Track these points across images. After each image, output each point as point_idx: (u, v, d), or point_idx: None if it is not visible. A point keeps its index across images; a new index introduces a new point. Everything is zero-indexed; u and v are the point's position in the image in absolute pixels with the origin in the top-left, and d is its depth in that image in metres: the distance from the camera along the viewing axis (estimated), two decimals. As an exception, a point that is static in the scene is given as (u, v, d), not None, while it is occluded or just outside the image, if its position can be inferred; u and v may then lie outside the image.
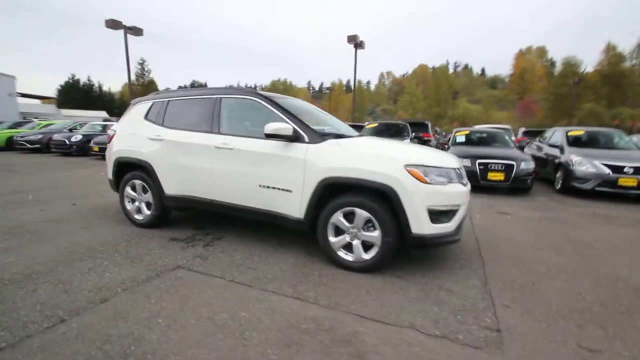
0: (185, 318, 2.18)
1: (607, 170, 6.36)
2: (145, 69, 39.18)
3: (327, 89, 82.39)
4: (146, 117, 4.04)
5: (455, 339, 2.05)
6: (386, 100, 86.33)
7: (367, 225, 2.87)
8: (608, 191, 6.39)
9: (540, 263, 3.28)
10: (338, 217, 2.94)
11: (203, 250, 3.38)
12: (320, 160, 2.95)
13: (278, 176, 3.14)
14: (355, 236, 2.92)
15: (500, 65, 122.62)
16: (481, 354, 1.92)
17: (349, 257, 2.96)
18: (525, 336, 2.10)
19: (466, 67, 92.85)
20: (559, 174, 7.40)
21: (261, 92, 3.49)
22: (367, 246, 2.91)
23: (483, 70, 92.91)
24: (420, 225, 2.72)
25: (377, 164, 2.79)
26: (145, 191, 3.99)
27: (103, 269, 2.88)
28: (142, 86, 33.70)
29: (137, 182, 4.00)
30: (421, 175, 2.70)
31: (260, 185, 3.23)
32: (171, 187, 3.74)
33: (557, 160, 7.54)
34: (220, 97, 3.60)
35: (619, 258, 3.48)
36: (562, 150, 7.55)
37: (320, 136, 3.09)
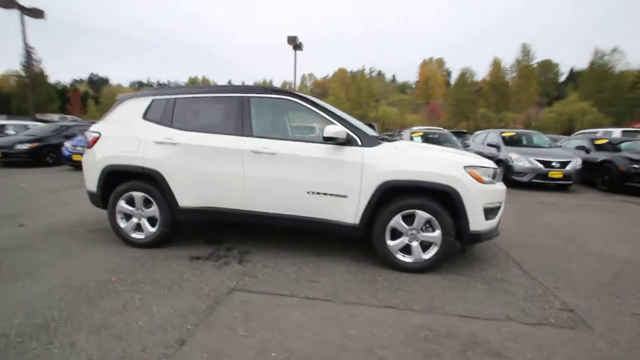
0: (298, 345, 1.94)
1: (540, 165, 7.63)
2: (34, 57, 32.37)
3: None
4: (145, 116, 3.41)
5: (550, 324, 2.25)
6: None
7: (425, 226, 2.94)
8: (540, 182, 7.67)
9: (545, 248, 3.78)
10: (397, 220, 2.94)
11: (242, 267, 3.01)
12: (379, 164, 2.90)
13: (331, 181, 2.98)
14: (414, 238, 2.96)
15: (408, 72, 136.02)
16: (580, 332, 2.15)
17: (407, 258, 2.98)
18: (594, 312, 2.41)
19: (380, 73, 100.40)
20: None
21: (298, 93, 3.27)
22: (424, 246, 2.97)
23: (394, 76, 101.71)
24: (477, 222, 2.89)
25: (439, 166, 2.88)
26: (147, 204, 3.37)
27: (142, 303, 2.35)
28: (26, 79, 27.54)
29: (137, 194, 3.34)
30: (479, 176, 2.88)
31: (309, 192, 3.02)
32: (188, 198, 3.24)
33: (496, 158, 8.74)
34: (249, 97, 3.25)
35: (593, 238, 4.23)
36: (499, 148, 8.78)
37: (374, 139, 3.03)
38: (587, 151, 8.80)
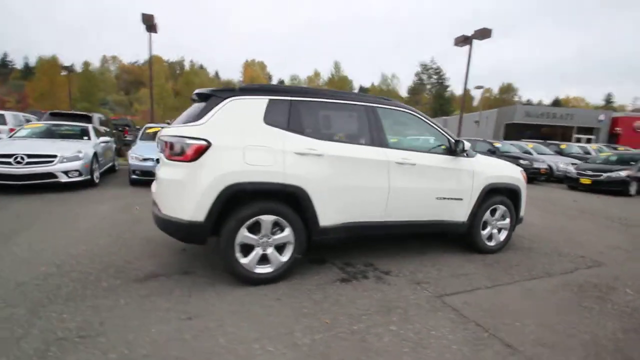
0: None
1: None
2: None
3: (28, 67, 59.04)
4: (266, 121, 2.73)
5: (600, 264, 3.66)
6: (114, 89, 73.31)
7: (502, 216, 3.90)
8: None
9: (550, 227, 5.43)
10: (487, 214, 3.76)
11: (405, 278, 3.05)
12: (482, 171, 3.63)
13: (453, 187, 3.46)
14: (494, 226, 3.87)
15: (231, 71, 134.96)
16: (606, 267, 3.65)
17: (491, 243, 3.86)
18: (614, 261, 3.97)
19: (202, 67, 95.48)
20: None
21: (409, 107, 3.50)
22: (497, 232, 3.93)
23: (217, 73, 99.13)
24: (524, 210, 4.12)
25: (512, 171, 3.90)
26: (277, 230, 2.74)
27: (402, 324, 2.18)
28: None
29: (267, 217, 2.66)
30: (525, 176, 4.10)
31: (437, 198, 3.39)
32: (330, 216, 2.89)
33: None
34: (375, 107, 3.21)
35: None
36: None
37: (469, 150, 3.68)
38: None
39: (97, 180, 6.85)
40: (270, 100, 2.80)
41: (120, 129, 17.12)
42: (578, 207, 7.34)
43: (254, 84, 3.06)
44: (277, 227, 2.75)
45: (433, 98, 54.17)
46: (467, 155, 3.59)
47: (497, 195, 3.80)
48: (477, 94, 74.09)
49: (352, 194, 2.97)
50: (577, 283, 3.14)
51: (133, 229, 4.11)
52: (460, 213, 3.57)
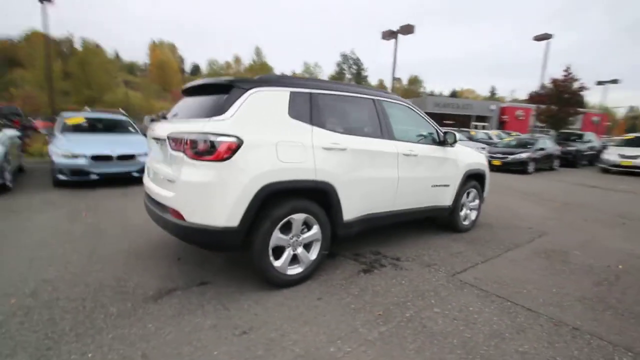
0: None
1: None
2: None
3: None
4: (291, 114, 2.57)
5: (546, 233, 4.44)
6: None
7: (473, 197, 4.42)
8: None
9: (490, 203, 6.22)
10: (465, 198, 4.22)
11: (418, 262, 3.25)
12: (462, 159, 4.03)
13: (443, 175, 3.79)
14: (468, 208, 4.36)
15: (135, 52, 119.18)
16: (551, 235, 4.47)
17: (466, 222, 4.34)
18: (553, 230, 4.86)
19: (98, 46, 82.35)
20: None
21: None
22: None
23: (117, 53, 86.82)
24: (487, 191, 4.72)
25: (481, 157, 4.41)
26: (306, 228, 2.65)
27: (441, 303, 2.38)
28: None
29: (298, 216, 2.54)
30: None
31: (433, 185, 3.67)
32: (352, 210, 2.90)
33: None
34: (381, 100, 3.29)
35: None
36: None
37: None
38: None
39: (10, 185, 5.52)
40: (291, 92, 2.64)
41: (8, 119, 13.88)
42: (499, 185, 8.66)
43: (272, 74, 2.82)
44: (304, 225, 2.66)
45: (354, 87, 56.76)
46: (452, 146, 3.95)
47: (472, 179, 4.28)
48: (388, 85, 79.92)
49: (370, 186, 3.03)
50: (541, 250, 3.77)
51: (100, 241, 3.49)
52: (447, 198, 3.93)
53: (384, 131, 3.22)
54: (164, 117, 3.08)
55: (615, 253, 3.74)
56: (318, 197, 2.66)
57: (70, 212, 4.47)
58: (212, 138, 2.20)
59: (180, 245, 3.40)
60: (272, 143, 2.40)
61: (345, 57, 57.57)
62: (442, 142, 3.79)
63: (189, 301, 2.37)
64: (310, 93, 2.75)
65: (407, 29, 16.47)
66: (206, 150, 2.20)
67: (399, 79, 77.61)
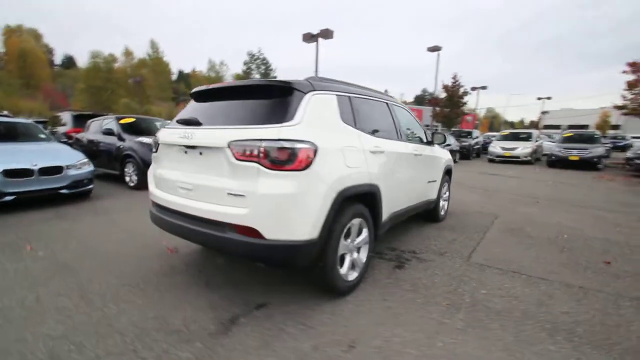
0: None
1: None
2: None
3: None
4: (342, 118, 2.53)
5: (499, 215, 5.31)
6: None
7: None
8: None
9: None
10: (444, 190, 4.76)
11: (437, 253, 3.53)
12: (442, 156, 4.53)
13: (433, 171, 4.20)
14: (442, 199, 4.91)
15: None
16: (502, 216, 5.38)
17: (442, 212, 4.89)
18: (500, 212, 5.77)
19: None
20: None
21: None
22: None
23: (-47, 39, 67.17)
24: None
25: (449, 154, 5.00)
26: (359, 232, 2.65)
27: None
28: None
29: (356, 221, 2.53)
30: (450, 158, 5.34)
31: (428, 182, 4.04)
32: (386, 210, 3.00)
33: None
34: (391, 104, 3.48)
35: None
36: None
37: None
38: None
39: None
40: (337, 96, 2.60)
41: None
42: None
43: (316, 76, 2.66)
44: (361, 229, 2.67)
45: (263, 88, 56.02)
46: (433, 144, 4.40)
47: (447, 174, 4.83)
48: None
49: (397, 186, 3.19)
50: (505, 230, 4.52)
51: (79, 277, 2.80)
52: (434, 192, 4.37)
53: (399, 133, 3.42)
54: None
55: (553, 226, 4.73)
56: (367, 200, 2.69)
57: (5, 249, 3.41)
58: (291, 145, 2.03)
59: (189, 266, 2.99)
60: (339, 148, 2.34)
61: (252, 57, 56.38)
62: (430, 142, 4.20)
63: (262, 327, 2.14)
64: (349, 97, 2.75)
65: (327, 34, 17.17)
66: (286, 159, 2.02)
67: (304, 80, 79.65)
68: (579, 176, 10.98)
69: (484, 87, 30.03)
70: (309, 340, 2.02)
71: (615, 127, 41.02)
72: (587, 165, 12.87)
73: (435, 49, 23.00)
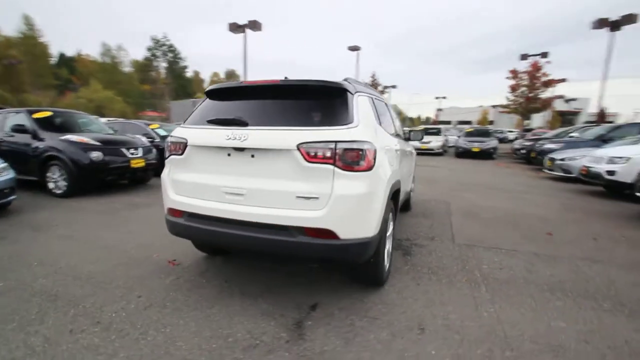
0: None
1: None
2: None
3: None
4: (375, 119, 2.65)
5: (450, 202, 6.09)
6: None
7: (409, 182, 5.52)
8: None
9: None
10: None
11: (450, 240, 3.91)
12: (413, 150, 5.00)
13: (411, 165, 4.63)
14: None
15: None
16: (453, 203, 6.20)
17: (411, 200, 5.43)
18: (450, 199, 6.54)
19: None
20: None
21: None
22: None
23: None
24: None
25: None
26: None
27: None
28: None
29: (390, 215, 2.70)
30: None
31: (409, 175, 4.45)
32: (398, 203, 3.27)
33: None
34: (387, 103, 3.72)
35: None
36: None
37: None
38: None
39: None
40: (368, 97, 2.72)
41: None
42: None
43: (351, 77, 2.66)
44: (385, 223, 2.85)
45: (173, 78, 51.19)
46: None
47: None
48: (207, 77, 76.90)
49: (403, 181, 3.45)
50: (463, 214, 5.24)
51: (91, 302, 2.35)
52: (409, 184, 4.82)
53: (396, 131, 3.70)
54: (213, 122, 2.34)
55: (493, 208, 5.67)
56: (394, 195, 2.89)
57: None
58: (359, 146, 2.08)
59: (208, 278, 2.79)
60: (384, 149, 2.47)
61: (157, 42, 50.76)
62: (408, 139, 4.61)
63: (332, 326, 2.17)
64: (372, 98, 2.89)
65: (255, 25, 16.67)
66: (357, 160, 2.07)
67: (216, 73, 75.85)
68: (482, 164, 13.14)
69: (394, 86, 33.10)
70: (383, 330, 2.13)
71: (491, 122, 49.71)
72: (485, 155, 15.47)
73: (355, 48, 24.40)
